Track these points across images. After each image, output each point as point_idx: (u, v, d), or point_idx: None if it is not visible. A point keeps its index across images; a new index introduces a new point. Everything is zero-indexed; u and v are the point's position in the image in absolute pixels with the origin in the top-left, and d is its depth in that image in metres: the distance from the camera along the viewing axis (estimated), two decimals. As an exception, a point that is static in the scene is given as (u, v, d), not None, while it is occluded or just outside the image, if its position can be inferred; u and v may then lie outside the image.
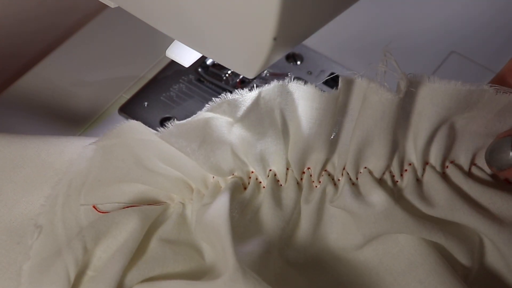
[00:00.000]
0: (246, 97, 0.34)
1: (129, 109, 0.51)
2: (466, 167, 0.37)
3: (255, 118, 0.34)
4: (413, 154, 0.37)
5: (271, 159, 0.37)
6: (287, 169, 0.37)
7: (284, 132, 0.36)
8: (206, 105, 0.35)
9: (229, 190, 0.36)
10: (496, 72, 0.37)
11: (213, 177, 0.38)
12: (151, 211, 0.37)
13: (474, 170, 0.38)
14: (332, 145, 0.36)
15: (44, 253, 0.36)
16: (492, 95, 0.34)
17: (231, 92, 0.51)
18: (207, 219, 0.35)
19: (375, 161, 0.36)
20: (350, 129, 0.36)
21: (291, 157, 0.37)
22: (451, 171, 0.37)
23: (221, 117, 0.35)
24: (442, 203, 0.36)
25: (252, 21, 0.30)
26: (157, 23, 0.36)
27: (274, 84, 0.34)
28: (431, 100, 0.34)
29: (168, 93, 0.52)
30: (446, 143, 0.36)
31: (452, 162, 0.38)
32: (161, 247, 0.36)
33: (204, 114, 0.35)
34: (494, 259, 0.36)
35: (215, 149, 0.36)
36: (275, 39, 0.30)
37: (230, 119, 0.35)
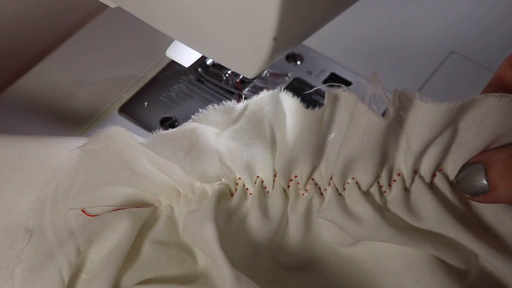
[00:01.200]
0: (233, 108, 0.34)
1: (129, 109, 0.51)
2: (452, 177, 0.37)
3: (242, 128, 0.34)
4: (402, 165, 0.37)
5: (258, 166, 0.37)
6: (275, 176, 0.37)
7: (272, 140, 0.36)
8: (193, 116, 0.34)
9: (215, 197, 0.36)
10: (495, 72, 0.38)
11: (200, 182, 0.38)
12: (141, 213, 0.37)
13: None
14: (319, 154, 0.36)
15: (36, 257, 0.36)
16: (479, 102, 0.34)
17: (231, 93, 0.52)
18: (194, 228, 0.35)
19: (362, 176, 0.36)
20: (338, 140, 0.36)
21: (277, 165, 0.36)
22: (439, 180, 0.37)
23: (207, 127, 0.35)
24: (430, 215, 0.36)
25: (252, 21, 0.30)
26: (157, 23, 0.36)
27: (264, 93, 0.34)
28: (423, 119, 0.34)
29: (168, 93, 0.52)
30: (438, 155, 0.36)
31: (440, 170, 0.37)
32: (155, 249, 0.36)
33: (190, 124, 0.35)
34: (488, 266, 0.37)
35: (201, 157, 0.36)
36: (275, 39, 0.30)
37: (216, 130, 0.35)
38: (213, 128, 0.35)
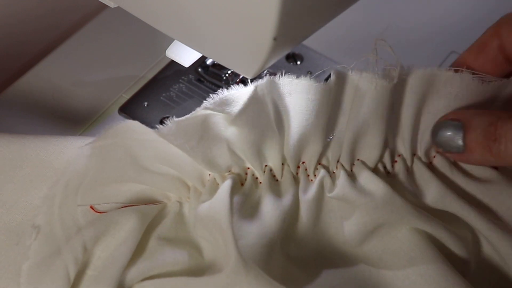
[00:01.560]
0: (242, 92, 0.34)
1: (129, 109, 0.51)
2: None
3: (252, 113, 0.35)
4: (401, 145, 0.38)
5: (267, 154, 0.37)
6: (283, 164, 0.38)
7: (279, 126, 0.36)
8: (204, 101, 0.35)
9: (228, 184, 0.36)
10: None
11: (210, 174, 0.38)
12: (149, 210, 0.37)
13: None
14: (325, 139, 0.37)
15: (43, 253, 0.36)
16: (452, 77, 0.35)
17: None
18: (208, 215, 0.35)
19: (369, 152, 0.37)
20: (342, 123, 0.37)
21: (287, 151, 0.37)
22: (438, 161, 0.38)
23: (218, 114, 0.35)
24: (432, 192, 0.37)
25: (252, 21, 0.30)
26: (157, 23, 0.36)
27: (266, 79, 0.35)
28: (411, 88, 0.35)
29: (168, 93, 0.52)
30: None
31: (438, 151, 0.38)
32: (160, 245, 0.37)
33: (201, 111, 0.35)
34: (489, 252, 0.37)
35: (212, 146, 0.36)
36: (275, 39, 0.30)
37: (226, 116, 0.35)
38: (223, 114, 0.35)
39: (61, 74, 0.53)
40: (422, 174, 0.38)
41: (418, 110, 0.36)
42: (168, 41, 0.44)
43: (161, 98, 0.52)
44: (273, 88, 0.35)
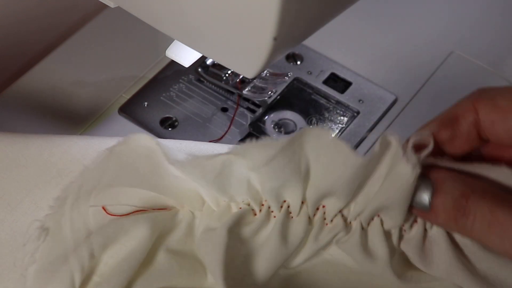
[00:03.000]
0: (272, 143, 0.33)
1: (129, 109, 0.51)
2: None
3: (280, 164, 0.33)
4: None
5: (287, 192, 0.36)
6: (302, 202, 0.36)
7: (306, 171, 0.35)
8: (230, 146, 0.35)
9: (234, 218, 0.36)
10: (495, 71, 0.37)
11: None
12: (160, 217, 0.37)
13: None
14: (354, 196, 0.36)
15: (50, 257, 0.36)
16: None
17: (231, 93, 0.52)
18: (206, 248, 0.35)
19: (389, 220, 0.36)
20: (372, 188, 0.35)
21: (309, 195, 0.36)
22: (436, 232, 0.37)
23: (242, 160, 0.34)
24: (441, 262, 0.36)
25: (252, 21, 0.30)
26: (157, 23, 0.36)
27: (305, 129, 0.33)
28: None
29: (168, 93, 0.52)
30: None
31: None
32: (168, 259, 0.36)
33: (226, 155, 0.34)
34: None
35: (231, 182, 0.35)
36: (275, 39, 0.30)
37: (249, 162, 0.34)
38: (247, 161, 0.34)
39: (61, 74, 0.53)
40: (437, 241, 0.36)
41: None
42: (168, 41, 0.44)
43: (161, 98, 0.52)
44: (309, 141, 0.33)
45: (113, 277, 0.34)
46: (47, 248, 0.36)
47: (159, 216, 0.37)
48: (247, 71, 0.34)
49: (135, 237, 0.36)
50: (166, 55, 0.45)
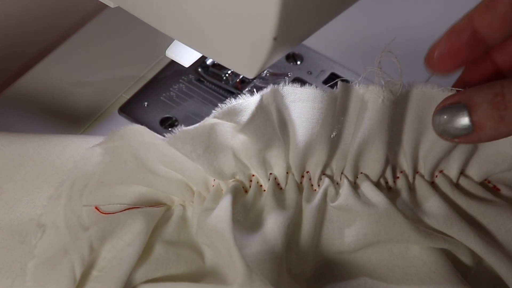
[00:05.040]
0: (249, 102, 0.35)
1: (129, 109, 0.51)
2: (454, 178, 0.38)
3: (258, 122, 0.35)
4: (404, 162, 0.37)
5: (272, 162, 0.37)
6: (287, 173, 0.38)
7: (284, 135, 0.36)
8: (213, 111, 0.35)
9: (231, 194, 0.36)
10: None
11: (214, 180, 0.38)
12: (154, 213, 0.37)
13: (463, 180, 0.38)
14: (330, 149, 0.37)
15: (49, 252, 0.36)
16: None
17: (231, 93, 0.52)
18: (210, 225, 0.36)
19: (373, 165, 0.37)
20: (347, 134, 0.37)
21: (292, 159, 0.37)
22: (440, 181, 0.38)
23: (225, 123, 0.35)
24: (434, 210, 0.36)
25: (252, 21, 0.30)
26: (157, 23, 0.36)
27: (271, 88, 0.35)
28: (412, 105, 0.36)
29: (168, 93, 0.52)
30: (435, 152, 0.37)
31: (441, 171, 0.38)
32: (165, 249, 0.37)
33: (209, 120, 0.35)
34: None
35: (218, 154, 0.36)
36: (275, 39, 0.30)
37: (234, 125, 0.35)
38: (231, 123, 0.35)
39: (61, 74, 0.53)
40: (423, 192, 0.37)
41: (420, 127, 0.36)
42: (168, 41, 0.44)
43: (161, 98, 0.51)
44: (277, 97, 0.35)
45: (113, 270, 0.35)
46: (45, 244, 0.37)
47: (153, 211, 0.38)
48: (247, 71, 0.34)
49: (132, 230, 0.36)
50: (166, 55, 0.45)
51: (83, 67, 0.54)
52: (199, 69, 0.52)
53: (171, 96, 0.52)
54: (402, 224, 0.35)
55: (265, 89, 0.35)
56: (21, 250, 0.37)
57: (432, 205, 0.37)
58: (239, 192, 0.37)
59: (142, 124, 0.50)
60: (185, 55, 0.45)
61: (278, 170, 0.37)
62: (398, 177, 0.38)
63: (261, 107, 0.35)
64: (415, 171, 0.38)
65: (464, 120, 0.33)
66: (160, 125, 0.50)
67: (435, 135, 0.35)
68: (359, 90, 0.36)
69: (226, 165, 0.37)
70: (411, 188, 0.38)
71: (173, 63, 0.48)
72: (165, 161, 0.37)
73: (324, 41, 0.56)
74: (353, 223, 0.37)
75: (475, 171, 0.38)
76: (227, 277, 0.34)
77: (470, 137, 0.33)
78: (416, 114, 0.36)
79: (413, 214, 0.37)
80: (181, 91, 0.52)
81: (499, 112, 0.32)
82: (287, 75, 0.53)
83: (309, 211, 0.37)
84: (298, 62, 0.55)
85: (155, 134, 0.37)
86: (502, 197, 0.38)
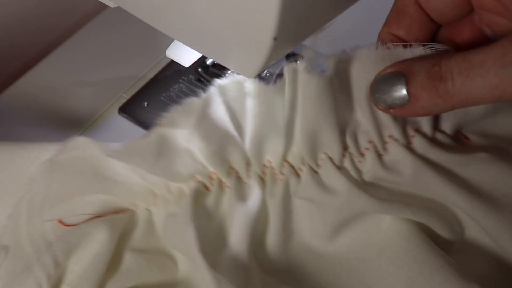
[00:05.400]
0: (192, 105, 0.34)
1: (129, 109, 0.51)
2: (429, 134, 0.36)
3: (207, 125, 0.34)
4: (371, 131, 0.35)
5: (230, 157, 0.36)
6: (248, 165, 0.37)
7: (238, 130, 0.35)
8: (157, 121, 0.34)
9: (191, 198, 0.35)
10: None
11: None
12: (118, 220, 0.37)
13: (438, 136, 0.36)
14: (288, 134, 0.35)
15: (14, 272, 0.36)
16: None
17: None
18: (174, 233, 0.35)
19: (329, 147, 0.35)
20: (300, 116, 0.35)
21: (249, 152, 0.36)
22: (417, 141, 0.36)
23: (174, 130, 0.35)
24: (407, 171, 0.35)
25: (252, 21, 0.30)
26: (157, 23, 0.36)
27: (214, 86, 0.34)
28: (362, 71, 0.34)
29: (168, 93, 0.52)
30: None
31: (416, 130, 0.36)
32: (134, 257, 0.36)
33: (156, 130, 0.35)
34: (474, 231, 0.35)
35: (172, 159, 0.35)
36: (275, 39, 0.30)
37: (181, 131, 0.35)
38: (180, 130, 0.35)
39: (61, 74, 0.53)
40: (396, 157, 0.35)
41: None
42: (168, 41, 0.44)
43: (161, 98, 0.51)
44: (225, 94, 0.34)
45: (82, 283, 0.34)
46: (9, 265, 0.36)
47: (117, 219, 0.37)
48: (247, 71, 0.34)
49: (97, 240, 0.35)
50: (166, 55, 0.45)
51: (83, 67, 0.54)
52: (199, 69, 0.52)
53: (171, 96, 0.52)
54: (366, 206, 0.34)
55: (208, 89, 0.34)
56: None
57: (406, 166, 0.35)
58: (201, 193, 0.36)
59: (142, 124, 0.50)
60: (185, 55, 0.45)
61: (238, 164, 0.36)
62: (367, 149, 0.36)
63: (206, 109, 0.34)
64: (389, 136, 0.36)
65: (400, 89, 0.32)
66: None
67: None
68: (303, 75, 0.34)
69: (183, 168, 0.36)
70: (382, 156, 0.36)
71: (173, 63, 0.48)
72: (123, 166, 0.37)
73: (324, 41, 0.55)
74: (317, 213, 0.35)
75: (448, 124, 0.37)
76: (198, 285, 0.34)
77: (405, 108, 0.32)
78: (366, 81, 0.34)
79: (386, 186, 0.35)
80: (181, 91, 0.52)
81: (434, 82, 0.31)
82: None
83: (273, 206, 0.36)
84: (298, 62, 0.55)
85: (103, 146, 0.36)
86: (475, 147, 0.36)
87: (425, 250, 0.33)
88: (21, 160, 0.39)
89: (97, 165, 0.37)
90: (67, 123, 0.50)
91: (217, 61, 0.38)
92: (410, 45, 0.33)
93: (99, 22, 0.57)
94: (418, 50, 0.33)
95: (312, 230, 0.36)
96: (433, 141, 0.36)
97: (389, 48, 0.34)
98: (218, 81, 0.34)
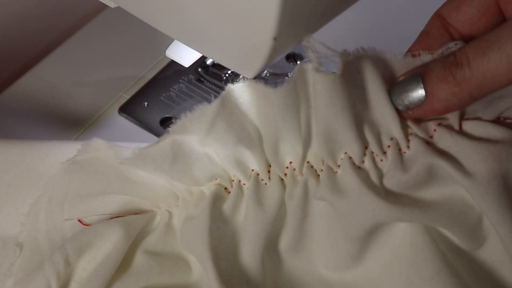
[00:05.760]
0: (205, 110, 0.33)
1: (129, 109, 0.51)
2: (456, 126, 0.34)
3: (221, 129, 0.33)
4: (392, 127, 0.34)
5: (250, 160, 0.35)
6: (270, 166, 0.36)
7: (255, 132, 0.35)
8: (168, 128, 0.34)
9: (209, 203, 0.35)
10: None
11: None
12: (135, 220, 0.37)
13: (467, 125, 0.35)
14: (306, 134, 0.34)
15: (28, 268, 0.36)
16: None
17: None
18: (190, 238, 0.35)
19: (349, 146, 0.34)
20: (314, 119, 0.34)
21: (267, 153, 0.35)
22: (438, 134, 0.34)
23: (187, 136, 0.34)
24: (428, 169, 0.33)
25: (252, 21, 0.30)
26: (157, 23, 0.36)
27: (227, 89, 0.33)
28: (371, 74, 0.33)
29: (168, 93, 0.52)
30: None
31: (439, 124, 0.34)
32: (146, 259, 0.36)
33: (168, 136, 0.34)
34: (493, 244, 0.34)
35: (190, 163, 0.35)
36: (275, 39, 0.30)
37: (196, 137, 0.34)
38: (192, 136, 0.34)
39: (61, 74, 0.53)
40: (417, 154, 0.34)
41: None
42: (168, 41, 0.44)
43: (161, 98, 0.52)
44: (237, 97, 0.33)
45: (90, 283, 0.34)
46: (24, 262, 0.36)
47: (135, 219, 0.37)
48: (247, 71, 0.34)
49: (110, 240, 0.35)
50: (166, 55, 0.45)
51: (83, 67, 0.54)
52: (199, 69, 0.52)
53: (171, 96, 0.52)
54: (377, 207, 0.33)
55: (223, 92, 0.33)
56: (2, 263, 0.36)
57: (426, 161, 0.33)
58: (220, 196, 0.36)
59: (142, 124, 0.50)
60: (185, 55, 0.45)
61: (259, 165, 0.35)
62: (389, 146, 0.35)
63: (220, 112, 0.33)
64: (409, 133, 0.34)
65: (417, 88, 0.32)
66: (160, 125, 0.50)
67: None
68: (312, 75, 0.32)
69: (202, 171, 0.35)
70: (405, 154, 0.34)
71: (173, 63, 0.48)
72: None
73: (324, 41, 0.55)
74: (334, 216, 0.35)
75: (482, 111, 0.35)
76: None
77: (423, 106, 0.32)
78: (379, 80, 0.33)
79: (406, 184, 0.34)
80: (181, 91, 0.52)
81: (450, 70, 0.31)
82: (287, 75, 0.53)
83: (291, 208, 0.35)
84: (298, 62, 0.55)
85: (117, 151, 0.36)
86: None
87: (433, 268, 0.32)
88: (30, 158, 0.39)
89: (118, 166, 0.37)
90: (67, 123, 0.50)
91: (217, 61, 0.37)
92: (419, 54, 0.33)
93: (99, 22, 0.57)
94: (427, 58, 0.33)
95: (328, 238, 0.35)
96: (459, 131, 0.34)
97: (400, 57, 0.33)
98: (229, 85, 0.33)
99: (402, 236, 0.34)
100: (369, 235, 0.34)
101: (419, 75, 0.32)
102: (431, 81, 0.31)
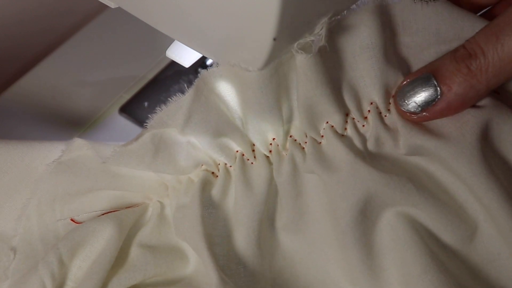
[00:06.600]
0: (181, 101, 0.33)
1: (129, 109, 0.51)
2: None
3: (199, 117, 0.33)
4: (372, 90, 0.33)
5: (232, 142, 0.35)
6: (254, 145, 0.35)
7: (235, 115, 0.34)
8: (145, 124, 0.34)
9: (198, 190, 0.35)
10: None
11: None
12: (127, 215, 0.37)
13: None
14: (289, 109, 0.34)
15: (23, 270, 0.36)
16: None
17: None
18: (184, 227, 0.35)
19: (330, 115, 0.33)
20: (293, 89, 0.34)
21: (250, 133, 0.34)
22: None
23: (165, 129, 0.34)
24: (405, 134, 0.32)
25: (252, 21, 0.30)
26: (157, 23, 0.37)
27: (201, 73, 0.33)
28: (361, 24, 0.32)
29: (168, 93, 0.52)
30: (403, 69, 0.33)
31: (413, 120, 0.33)
32: (142, 253, 0.36)
33: (146, 131, 0.34)
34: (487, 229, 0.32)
35: (173, 154, 0.35)
36: (275, 39, 0.30)
37: (174, 129, 0.34)
38: (170, 128, 0.34)
39: (62, 75, 0.53)
40: (397, 116, 0.33)
41: (381, 46, 0.32)
42: (168, 41, 0.44)
43: (161, 98, 0.52)
44: (214, 81, 0.33)
45: (85, 281, 0.34)
46: (19, 264, 0.36)
47: (127, 214, 0.37)
48: (247, 71, 0.34)
49: (103, 237, 0.36)
50: (166, 55, 0.45)
51: (83, 67, 0.54)
52: (199, 69, 0.52)
53: (171, 96, 0.52)
54: (367, 177, 0.32)
55: (194, 82, 0.33)
56: (0, 259, 0.37)
57: (404, 127, 0.32)
58: (209, 182, 0.36)
59: (142, 124, 0.50)
60: (185, 55, 0.45)
61: (242, 146, 0.35)
62: (369, 111, 0.34)
63: (196, 101, 0.33)
64: (390, 96, 0.33)
65: (431, 86, 0.30)
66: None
67: (409, 48, 0.32)
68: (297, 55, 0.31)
69: (187, 160, 0.35)
70: (385, 117, 0.33)
71: (173, 63, 0.48)
72: None
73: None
74: (323, 189, 0.34)
75: None
76: (203, 282, 0.34)
77: (439, 104, 0.30)
78: (366, 32, 0.32)
79: (389, 147, 0.33)
80: (181, 91, 0.52)
81: (464, 63, 0.29)
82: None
83: (281, 185, 0.34)
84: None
85: (98, 150, 0.36)
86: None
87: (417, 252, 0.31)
88: (30, 159, 0.40)
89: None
90: (68, 123, 0.50)
91: (217, 61, 0.38)
92: None
93: (99, 23, 0.57)
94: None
95: (328, 213, 0.34)
96: None
97: None
98: (202, 71, 0.33)
99: (390, 232, 0.33)
100: (359, 225, 0.33)
101: (430, 75, 0.30)
102: (444, 76, 0.30)
